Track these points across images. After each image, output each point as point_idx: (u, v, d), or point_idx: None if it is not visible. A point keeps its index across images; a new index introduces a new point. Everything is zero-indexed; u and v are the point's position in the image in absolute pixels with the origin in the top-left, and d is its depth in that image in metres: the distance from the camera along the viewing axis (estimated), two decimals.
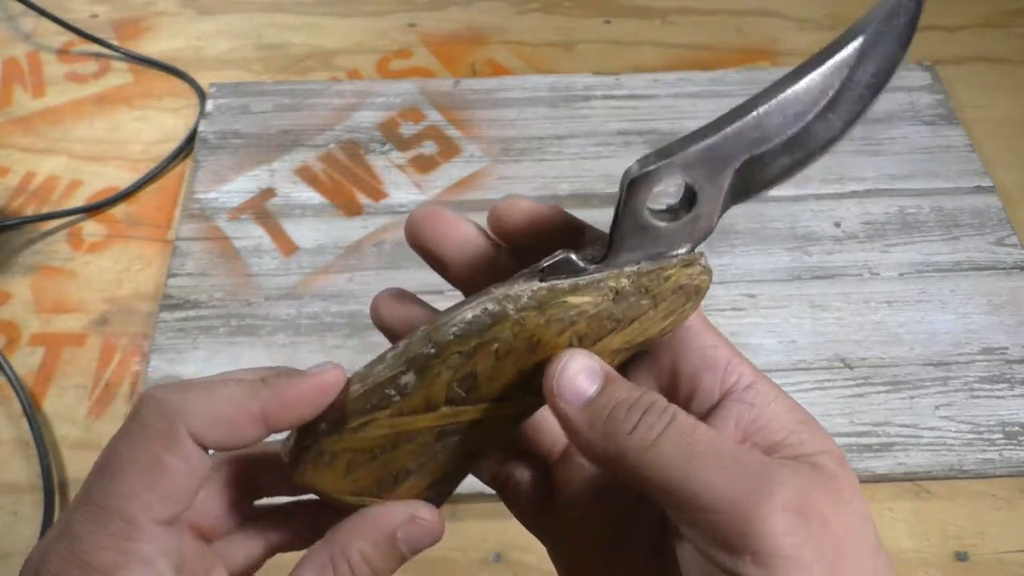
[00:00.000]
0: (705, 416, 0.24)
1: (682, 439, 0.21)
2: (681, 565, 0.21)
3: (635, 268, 0.24)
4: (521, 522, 0.30)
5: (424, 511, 0.25)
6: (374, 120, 0.76)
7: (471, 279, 0.28)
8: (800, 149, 0.24)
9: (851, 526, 0.20)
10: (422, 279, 0.64)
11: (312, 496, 0.27)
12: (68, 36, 0.83)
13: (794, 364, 0.61)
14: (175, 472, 0.23)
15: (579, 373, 0.22)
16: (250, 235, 0.68)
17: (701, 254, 0.25)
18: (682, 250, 0.25)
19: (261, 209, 0.69)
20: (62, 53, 0.83)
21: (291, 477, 0.26)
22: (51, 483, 0.56)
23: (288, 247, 0.67)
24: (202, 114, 0.76)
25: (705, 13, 0.88)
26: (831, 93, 0.25)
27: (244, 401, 0.23)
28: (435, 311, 0.29)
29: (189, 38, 0.85)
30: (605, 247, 0.26)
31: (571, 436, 0.23)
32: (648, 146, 0.73)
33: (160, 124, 0.77)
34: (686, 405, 0.24)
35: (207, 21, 0.87)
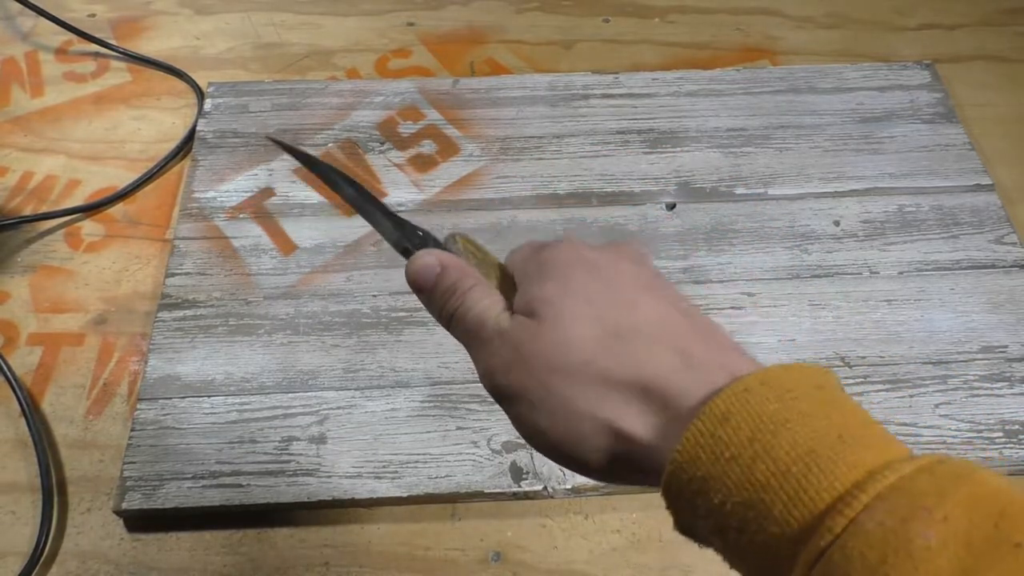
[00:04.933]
0: None
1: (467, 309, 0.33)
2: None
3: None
4: None
5: None
6: (373, 119, 0.76)
7: None
8: None
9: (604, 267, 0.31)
10: None
11: None
12: (66, 36, 0.83)
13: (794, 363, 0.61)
14: None
15: (423, 266, 0.34)
16: (249, 234, 0.68)
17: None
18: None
19: (260, 208, 0.69)
20: (60, 53, 0.83)
21: None
22: (49, 482, 0.56)
23: (287, 246, 0.67)
24: (201, 113, 0.76)
25: (704, 12, 0.88)
26: None
27: None
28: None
29: (188, 37, 0.85)
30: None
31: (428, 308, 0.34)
32: (647, 144, 0.73)
33: (158, 123, 0.77)
34: None
35: (206, 20, 0.86)
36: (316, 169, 0.39)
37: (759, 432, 0.25)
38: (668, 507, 0.27)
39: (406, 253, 0.36)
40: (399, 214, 0.37)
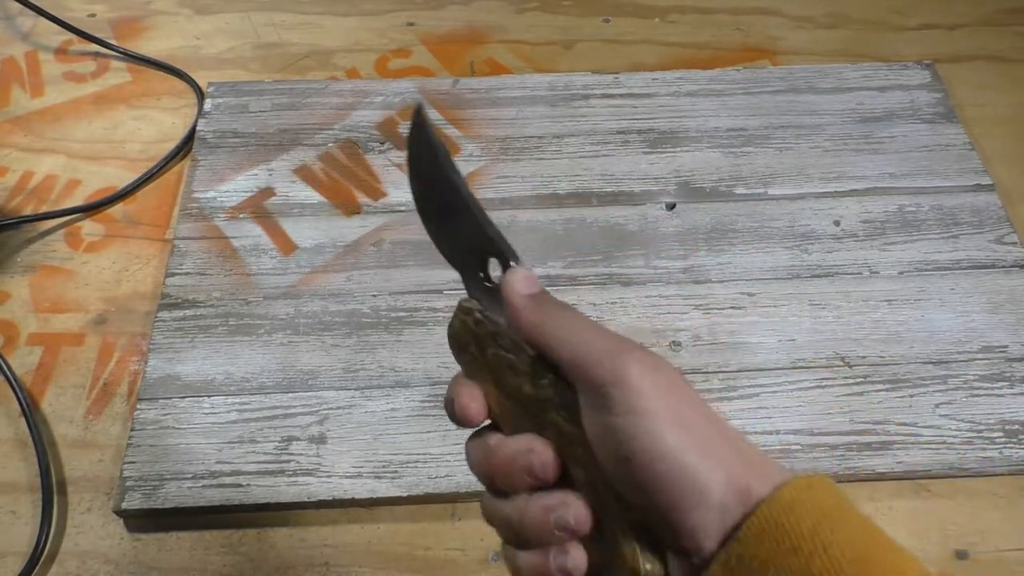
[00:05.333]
0: None
1: (577, 321, 0.31)
2: (589, 435, 0.30)
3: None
4: None
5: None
6: (373, 119, 0.76)
7: None
8: None
9: (680, 381, 0.30)
10: (420, 279, 0.65)
11: None
12: (66, 36, 0.83)
13: (793, 363, 0.61)
14: None
15: (523, 278, 0.32)
16: (249, 234, 0.68)
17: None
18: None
19: (260, 208, 0.69)
20: (60, 52, 0.83)
21: None
22: (49, 482, 0.56)
23: (287, 246, 0.67)
24: (200, 113, 0.76)
25: (704, 12, 0.88)
26: None
27: None
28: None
29: (187, 37, 0.85)
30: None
31: (514, 317, 0.32)
32: (647, 144, 0.73)
33: (158, 123, 0.77)
34: None
35: (205, 20, 0.86)
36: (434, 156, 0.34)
37: (820, 526, 0.26)
38: None
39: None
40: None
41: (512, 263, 0.33)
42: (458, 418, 0.33)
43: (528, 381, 0.31)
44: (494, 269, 0.33)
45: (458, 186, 0.33)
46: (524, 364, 0.32)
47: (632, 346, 0.30)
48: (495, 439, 0.32)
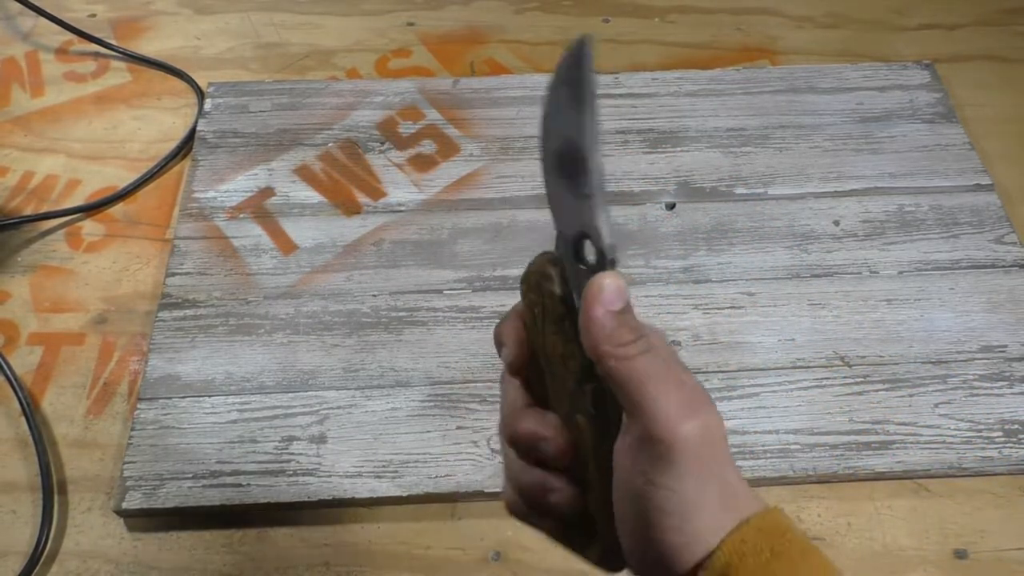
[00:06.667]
0: None
1: (649, 364, 0.29)
2: (615, 453, 0.30)
3: None
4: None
5: None
6: (373, 119, 0.76)
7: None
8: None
9: (722, 441, 0.30)
10: (420, 278, 0.65)
11: None
12: (67, 36, 0.83)
13: (793, 362, 0.61)
14: None
15: (614, 290, 0.30)
16: (249, 234, 0.68)
17: None
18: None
19: (260, 208, 0.69)
20: (61, 53, 0.83)
21: None
22: (50, 482, 0.56)
23: (287, 246, 0.67)
24: (201, 113, 0.76)
25: (704, 12, 0.88)
26: None
27: None
28: None
29: (188, 37, 0.85)
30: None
31: (588, 329, 0.30)
32: (647, 144, 0.73)
33: (159, 123, 0.77)
34: None
35: (206, 20, 0.87)
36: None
37: None
38: None
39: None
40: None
41: (606, 260, 0.30)
42: (502, 358, 0.34)
43: (574, 378, 0.31)
44: (588, 252, 0.31)
45: (588, 152, 0.31)
46: (576, 362, 0.31)
47: (695, 413, 0.29)
48: (522, 402, 0.33)
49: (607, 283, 0.30)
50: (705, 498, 0.29)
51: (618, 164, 0.72)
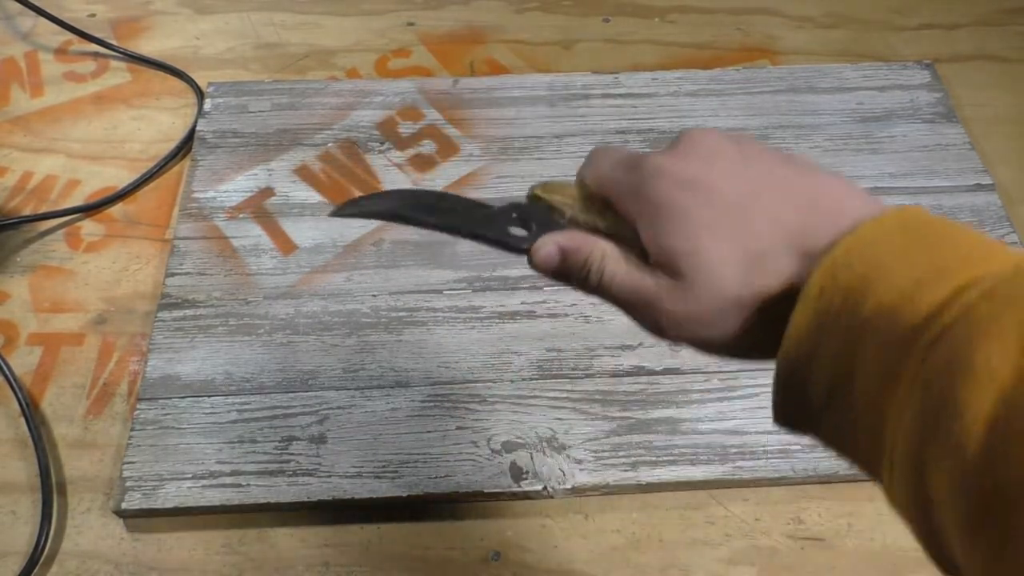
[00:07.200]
0: None
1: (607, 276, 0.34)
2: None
3: None
4: None
5: None
6: (373, 119, 0.76)
7: None
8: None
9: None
10: (420, 279, 0.65)
11: None
12: (66, 35, 0.83)
13: None
14: None
15: (543, 259, 0.36)
16: (248, 234, 0.68)
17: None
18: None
19: (260, 208, 0.69)
20: (60, 52, 0.83)
21: None
22: (49, 482, 0.56)
23: (287, 246, 0.67)
24: (200, 113, 0.76)
25: (704, 11, 0.88)
26: None
27: None
28: None
29: (187, 37, 0.85)
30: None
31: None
32: (647, 144, 0.73)
33: (158, 123, 0.77)
34: None
35: (205, 20, 0.86)
36: (392, 217, 0.39)
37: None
38: (791, 354, 0.29)
39: (509, 247, 0.37)
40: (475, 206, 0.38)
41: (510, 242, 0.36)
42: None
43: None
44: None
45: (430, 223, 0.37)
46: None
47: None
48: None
49: (534, 261, 0.36)
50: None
51: None
